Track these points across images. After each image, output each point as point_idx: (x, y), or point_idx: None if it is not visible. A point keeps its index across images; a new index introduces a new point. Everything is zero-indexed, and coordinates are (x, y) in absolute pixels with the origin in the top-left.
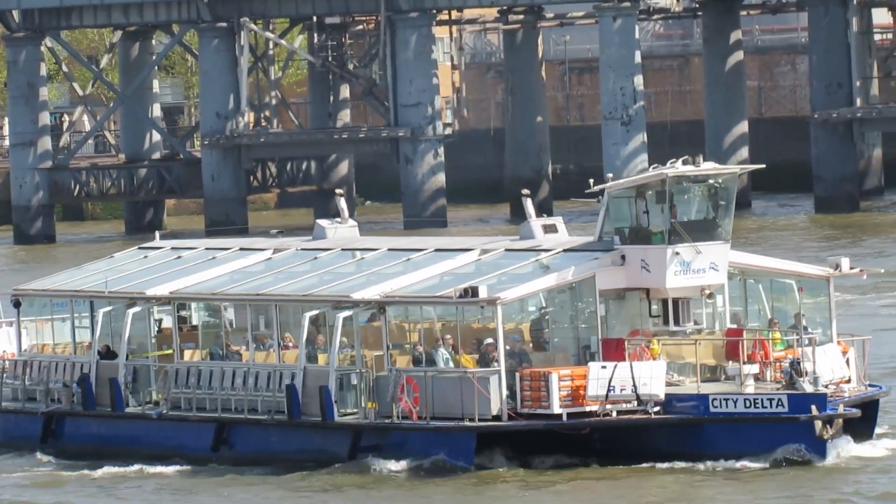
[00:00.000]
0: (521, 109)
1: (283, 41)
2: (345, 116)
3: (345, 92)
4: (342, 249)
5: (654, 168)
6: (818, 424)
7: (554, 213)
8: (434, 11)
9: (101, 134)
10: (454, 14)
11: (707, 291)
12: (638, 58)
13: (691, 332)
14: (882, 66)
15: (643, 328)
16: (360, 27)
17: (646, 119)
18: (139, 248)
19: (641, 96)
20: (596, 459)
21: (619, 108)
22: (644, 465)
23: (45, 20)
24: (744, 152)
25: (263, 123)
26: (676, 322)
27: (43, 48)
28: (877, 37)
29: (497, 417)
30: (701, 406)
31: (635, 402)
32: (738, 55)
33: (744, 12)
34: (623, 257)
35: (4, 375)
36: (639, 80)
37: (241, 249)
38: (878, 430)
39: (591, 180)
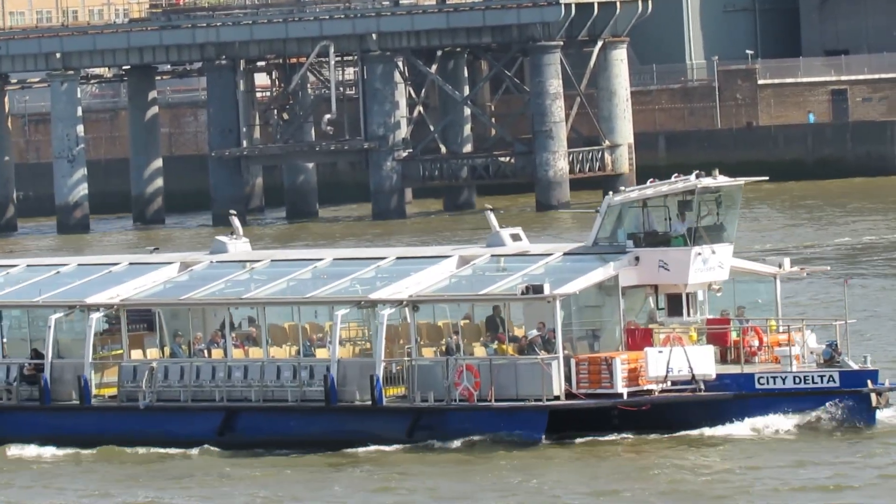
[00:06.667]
0: None
1: None
2: None
3: None
4: (272, 261)
5: (662, 181)
6: (874, 396)
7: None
8: None
9: None
10: None
11: (716, 286)
12: (80, 112)
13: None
14: (262, 116)
15: (634, 320)
16: None
17: (86, 157)
18: None
19: (83, 140)
20: (654, 432)
21: (66, 149)
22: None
23: None
24: (159, 182)
25: None
26: (689, 313)
27: None
28: (258, 94)
29: (556, 398)
30: (746, 383)
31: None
32: (155, 109)
33: (158, 77)
34: (637, 258)
35: None
36: (80, 129)
37: (132, 264)
38: None
39: (611, 192)
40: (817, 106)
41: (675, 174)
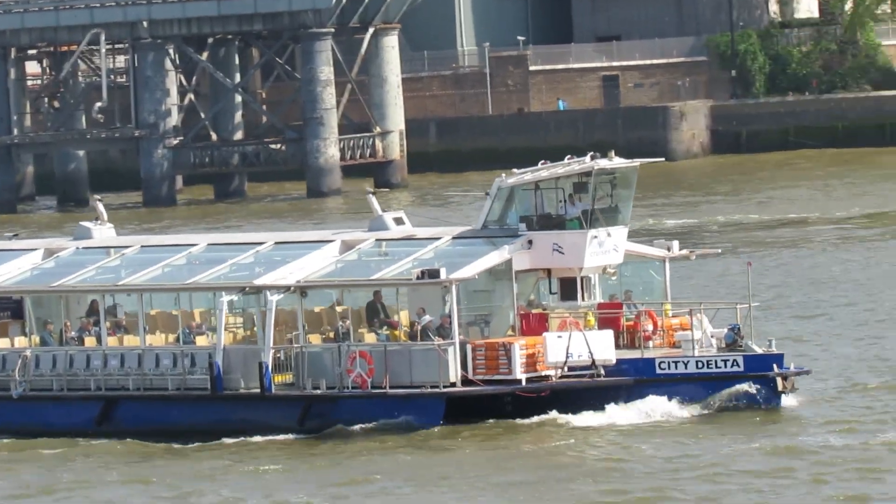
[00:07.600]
0: None
1: None
2: None
3: None
4: (143, 246)
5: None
6: (780, 380)
7: None
8: None
9: None
10: None
11: (611, 270)
12: None
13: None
14: (33, 104)
15: (523, 305)
16: None
17: None
18: None
19: None
20: (552, 418)
21: None
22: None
23: None
24: None
25: None
26: (583, 298)
27: None
28: (29, 82)
29: (453, 384)
30: (647, 368)
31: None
32: None
33: None
34: (530, 242)
35: None
36: None
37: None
38: None
39: (504, 174)
40: (588, 91)
41: (568, 156)
